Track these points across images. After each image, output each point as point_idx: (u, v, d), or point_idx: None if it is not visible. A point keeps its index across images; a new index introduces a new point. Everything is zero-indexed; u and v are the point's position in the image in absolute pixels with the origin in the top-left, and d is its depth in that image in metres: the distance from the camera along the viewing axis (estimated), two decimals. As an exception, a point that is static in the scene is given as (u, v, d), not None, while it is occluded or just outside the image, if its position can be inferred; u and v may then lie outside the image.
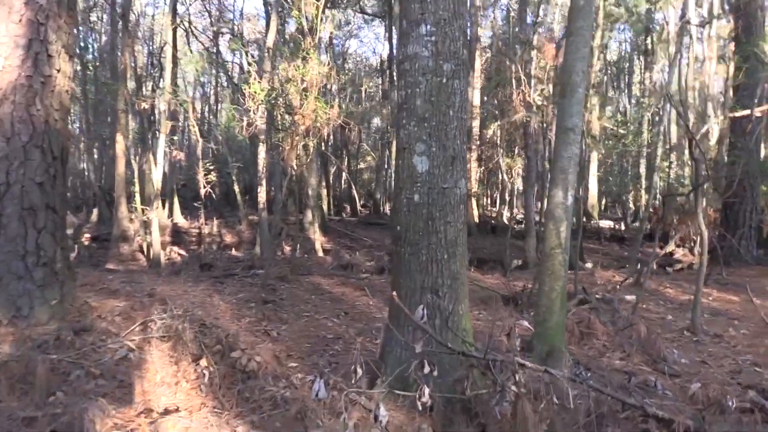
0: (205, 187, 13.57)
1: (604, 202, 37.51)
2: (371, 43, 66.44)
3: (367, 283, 11.05)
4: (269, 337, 6.82)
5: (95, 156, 26.29)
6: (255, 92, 9.87)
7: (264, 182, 14.04)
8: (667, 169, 29.37)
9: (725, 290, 11.69)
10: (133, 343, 5.65)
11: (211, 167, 14.02)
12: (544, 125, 12.56)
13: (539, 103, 12.42)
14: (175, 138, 13.06)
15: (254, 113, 10.34)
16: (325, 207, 30.49)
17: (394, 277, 4.82)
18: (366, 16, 36.41)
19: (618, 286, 10.78)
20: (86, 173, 27.16)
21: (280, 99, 9.89)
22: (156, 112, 25.24)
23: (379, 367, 4.80)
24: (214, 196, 36.01)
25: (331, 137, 38.47)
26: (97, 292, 8.83)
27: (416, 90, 4.60)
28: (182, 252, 18.86)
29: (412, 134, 4.62)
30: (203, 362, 5.02)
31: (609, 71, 35.82)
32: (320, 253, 16.05)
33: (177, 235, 23.90)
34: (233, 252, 19.44)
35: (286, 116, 10.06)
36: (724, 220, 15.72)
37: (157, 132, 13.08)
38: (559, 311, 6.04)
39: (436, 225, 4.58)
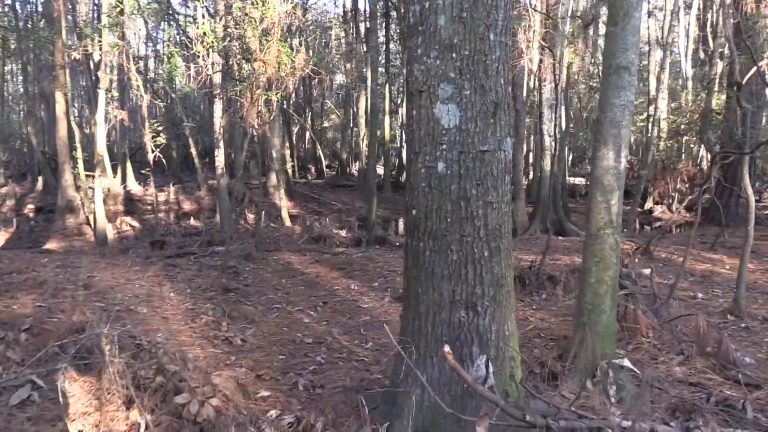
0: (153, 151, 11.74)
1: (571, 157, 36.47)
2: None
3: (345, 259, 9.51)
4: (231, 346, 5.25)
5: (39, 117, 23.89)
6: (204, 34, 8.07)
7: (222, 144, 12.31)
8: (643, 122, 28.24)
9: (736, 256, 10.48)
10: (41, 375, 4.04)
11: (160, 128, 12.13)
12: (556, 68, 11.01)
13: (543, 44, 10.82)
14: (115, 95, 11.10)
15: (204, 60, 8.57)
16: (289, 168, 28.70)
17: (409, 284, 3.28)
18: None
19: (632, 257, 9.44)
20: (29, 137, 24.76)
21: (236, 43, 8.17)
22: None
23: (387, 413, 3.29)
24: (165, 160, 33.84)
25: (293, 94, 36.38)
26: (18, 285, 7.17)
27: (438, 2, 2.99)
28: (135, 223, 17.01)
29: (432, 70, 3.03)
30: (135, 413, 3.43)
31: None
32: (287, 222, 14.43)
33: (130, 204, 21.93)
34: (192, 221, 17.68)
35: (244, 65, 8.35)
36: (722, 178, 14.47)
37: (97, 89, 11.13)
38: (610, 310, 4.59)
39: (471, 207, 3.04)
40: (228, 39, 8.38)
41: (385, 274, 8.35)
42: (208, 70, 8.94)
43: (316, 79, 33.68)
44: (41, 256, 9.95)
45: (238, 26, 8.01)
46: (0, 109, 33.54)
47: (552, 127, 12.44)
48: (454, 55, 2.99)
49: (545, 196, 12.65)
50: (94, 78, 21.01)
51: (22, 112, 34.33)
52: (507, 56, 3.08)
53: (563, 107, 12.58)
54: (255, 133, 17.01)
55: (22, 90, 28.19)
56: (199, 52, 8.35)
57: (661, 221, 21.85)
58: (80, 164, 14.69)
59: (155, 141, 11.81)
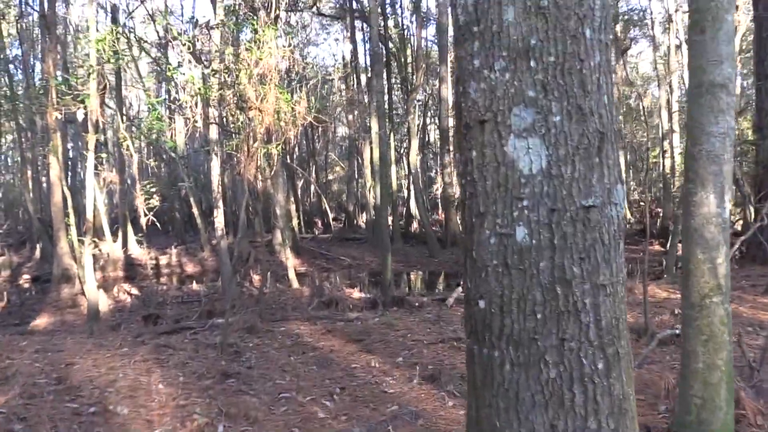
0: (146, 214, 10.76)
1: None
2: (330, 47, 64.20)
3: (361, 327, 8.36)
4: (227, 464, 4.11)
5: (30, 184, 23.15)
6: (191, 81, 7.18)
7: (221, 203, 11.33)
8: (655, 159, 27.28)
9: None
10: None
11: (153, 190, 11.18)
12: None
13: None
14: (103, 155, 10.20)
15: (191, 111, 7.66)
16: (294, 224, 27.73)
17: (479, 414, 2.15)
18: (324, 20, 33.82)
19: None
20: (26, 203, 23.96)
21: (229, 92, 7.27)
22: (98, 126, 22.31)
23: None
24: (168, 221, 32.97)
25: (296, 147, 35.71)
26: (-19, 381, 6.11)
27: (504, -12, 1.98)
28: (134, 291, 15.91)
29: (499, 89, 1.99)
30: None
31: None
32: (295, 283, 13.32)
33: (131, 269, 20.92)
34: (194, 286, 16.57)
35: (239, 115, 7.43)
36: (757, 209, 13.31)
37: (85, 151, 10.24)
38: (727, 405, 3.43)
39: (574, 295, 1.94)
40: (220, 87, 7.48)
41: (409, 345, 7.19)
42: (196, 122, 8.02)
43: (320, 130, 33.08)
44: (21, 339, 8.85)
45: (230, 73, 7.15)
46: (2, 177, 33.00)
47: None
48: (532, 63, 1.95)
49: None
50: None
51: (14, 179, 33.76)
52: (609, 63, 2.03)
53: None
54: (256, 190, 16.10)
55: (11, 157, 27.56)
56: (186, 102, 7.45)
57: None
58: (73, 231, 13.72)
59: (148, 203, 10.82)
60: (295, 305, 11.17)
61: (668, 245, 13.88)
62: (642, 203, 24.99)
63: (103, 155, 10.44)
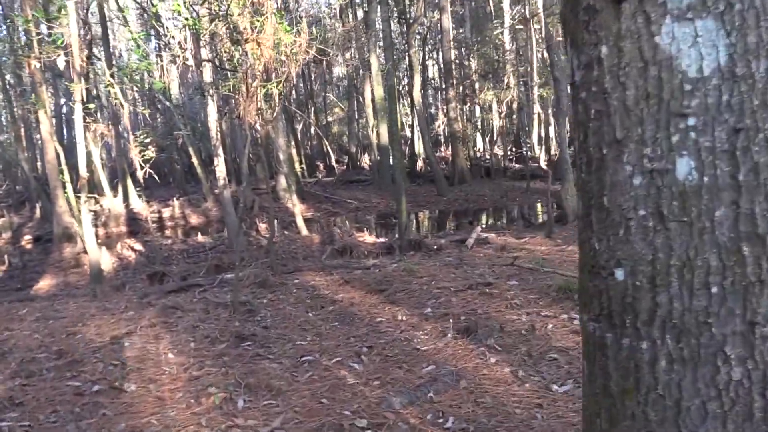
0: (142, 167, 10.06)
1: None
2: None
3: (381, 276, 7.78)
4: (251, 450, 3.56)
5: (24, 142, 22.34)
6: (177, 11, 6.40)
7: (222, 150, 10.63)
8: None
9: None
10: None
11: (148, 140, 10.45)
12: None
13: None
14: (91, 107, 9.40)
15: (181, 48, 6.87)
16: (297, 168, 26.99)
17: (612, 423, 1.51)
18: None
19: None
20: (20, 162, 23.21)
21: (222, 23, 6.46)
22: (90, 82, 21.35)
23: None
24: (169, 172, 32.19)
25: (293, 89, 34.57)
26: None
27: None
28: (138, 246, 15.36)
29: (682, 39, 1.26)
30: None
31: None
32: (304, 231, 12.72)
33: (134, 224, 20.34)
34: (200, 237, 16.03)
35: (235, 50, 6.64)
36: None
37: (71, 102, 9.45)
38: None
39: (769, 257, 1.28)
40: (211, 19, 6.65)
41: (435, 294, 6.61)
42: (186, 59, 7.22)
43: (317, 71, 31.90)
44: (21, 306, 8.32)
45: (221, 2, 6.34)
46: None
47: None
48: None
49: (596, 173, 10.86)
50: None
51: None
52: None
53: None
54: (258, 135, 15.32)
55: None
56: (173, 37, 6.66)
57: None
58: (69, 188, 13.08)
59: (143, 155, 10.10)
60: (307, 254, 10.60)
61: None
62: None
63: (91, 106, 9.63)
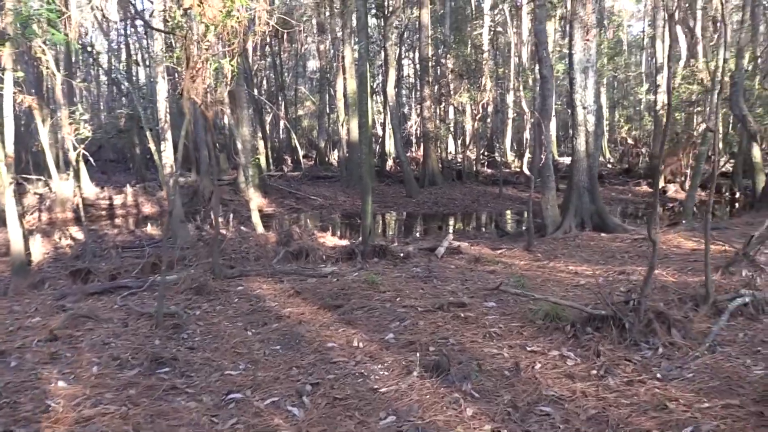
0: (75, 147, 8.78)
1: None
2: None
3: (338, 286, 6.68)
4: None
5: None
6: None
7: (169, 133, 9.44)
8: (642, 94, 25.65)
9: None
10: None
11: (85, 117, 9.16)
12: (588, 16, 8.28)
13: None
14: (19, 75, 8.03)
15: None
16: (263, 161, 25.68)
17: None
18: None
19: (737, 265, 6.69)
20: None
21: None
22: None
23: None
24: (129, 156, 30.50)
25: (264, 81, 33.22)
26: None
27: None
28: (80, 236, 13.96)
29: None
30: None
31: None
32: (260, 228, 11.54)
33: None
34: (149, 229, 14.71)
35: (177, 11, 5.51)
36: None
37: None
38: None
39: None
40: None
41: (399, 314, 5.54)
42: (105, 10, 6.08)
43: (288, 60, 30.60)
44: None
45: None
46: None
47: (586, 96, 9.70)
48: None
49: (580, 182, 9.94)
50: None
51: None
52: None
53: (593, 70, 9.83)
54: (224, 122, 14.09)
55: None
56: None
57: (676, 201, 19.34)
58: (2, 168, 11.68)
59: (77, 133, 8.82)
60: (259, 254, 9.44)
61: (687, 187, 12.33)
62: (630, 141, 23.49)
63: (19, 74, 8.32)
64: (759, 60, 13.72)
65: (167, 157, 9.67)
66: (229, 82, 6.62)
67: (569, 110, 10.17)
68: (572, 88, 9.81)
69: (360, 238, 9.44)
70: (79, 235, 14.41)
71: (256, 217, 11.56)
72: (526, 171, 9.53)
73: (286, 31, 8.58)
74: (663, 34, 20.50)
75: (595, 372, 4.13)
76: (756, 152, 14.25)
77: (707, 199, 19.18)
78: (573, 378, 4.06)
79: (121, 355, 4.66)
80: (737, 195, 18.34)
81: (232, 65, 6.58)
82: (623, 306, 4.84)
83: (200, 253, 8.91)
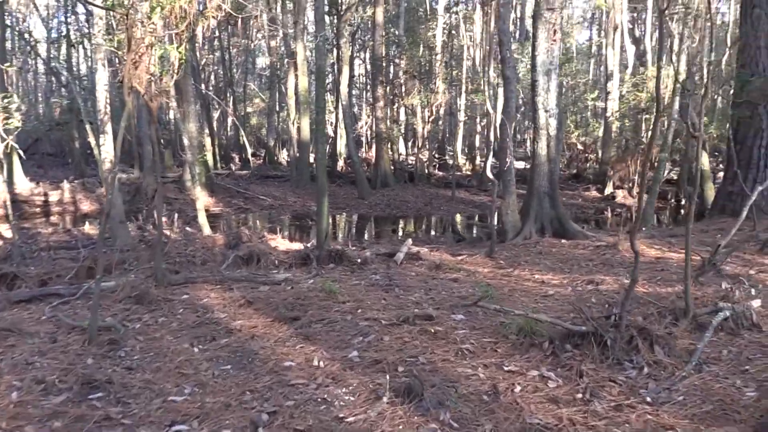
0: (3, 138, 7.98)
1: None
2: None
3: (293, 295, 6.17)
4: None
5: None
6: None
7: (109, 126, 8.75)
8: (594, 100, 25.92)
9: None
10: None
11: (13, 105, 8.34)
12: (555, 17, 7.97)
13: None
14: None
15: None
16: (210, 159, 24.77)
17: None
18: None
19: (704, 271, 6.49)
20: None
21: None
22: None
23: None
24: (67, 150, 29.03)
25: (212, 76, 32.19)
26: None
27: None
28: (9, 235, 12.95)
29: None
30: None
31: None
32: (206, 229, 10.88)
33: (13, 207, 17.58)
34: (87, 228, 13.78)
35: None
36: (730, 158, 11.83)
37: None
38: None
39: None
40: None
41: (362, 328, 5.08)
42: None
43: (237, 55, 29.64)
44: None
45: None
46: None
47: (549, 99, 9.45)
48: None
49: (540, 187, 9.69)
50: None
51: None
52: None
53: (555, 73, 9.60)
54: (169, 117, 13.31)
55: None
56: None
57: (625, 207, 19.52)
58: None
59: (6, 124, 8.01)
60: (206, 258, 8.81)
61: (637, 193, 12.25)
62: (579, 147, 23.66)
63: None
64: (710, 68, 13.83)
65: (106, 151, 8.94)
66: (175, 72, 6.02)
67: (531, 113, 9.91)
68: (534, 91, 9.56)
69: (314, 242, 8.94)
70: (8, 234, 13.39)
71: (202, 218, 10.90)
72: (489, 175, 9.21)
73: (239, 16, 7.98)
74: (613, 42, 20.65)
75: (580, 396, 3.77)
76: (705, 160, 14.38)
77: (658, 207, 19.30)
78: (557, 402, 3.69)
79: (47, 378, 4.04)
80: (682, 202, 18.59)
81: (180, 52, 5.99)
82: (603, 321, 4.50)
83: (142, 256, 8.22)
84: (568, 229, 9.60)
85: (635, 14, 25.13)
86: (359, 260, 7.92)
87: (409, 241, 8.50)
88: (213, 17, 5.76)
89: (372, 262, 8.03)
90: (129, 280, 6.60)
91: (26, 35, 24.97)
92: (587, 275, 6.97)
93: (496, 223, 9.14)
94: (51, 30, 30.06)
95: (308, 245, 8.55)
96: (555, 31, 8.93)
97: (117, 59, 5.85)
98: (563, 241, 9.26)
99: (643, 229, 10.04)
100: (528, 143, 24.02)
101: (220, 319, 5.50)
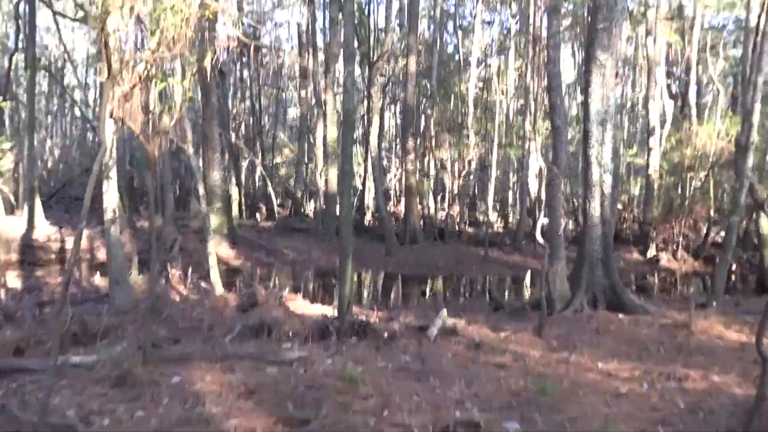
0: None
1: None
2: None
3: (305, 381, 4.99)
4: None
5: None
6: None
7: (114, 171, 7.86)
8: (633, 156, 24.74)
9: None
10: None
11: (8, 146, 7.47)
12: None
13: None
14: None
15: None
16: (235, 209, 23.96)
17: None
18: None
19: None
20: None
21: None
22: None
23: None
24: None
25: (242, 125, 31.86)
26: None
27: None
28: (14, 283, 12.08)
29: None
30: None
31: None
32: (219, 287, 9.84)
33: (28, 252, 16.87)
34: (98, 279, 12.83)
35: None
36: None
37: None
38: None
39: None
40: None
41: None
42: None
43: (267, 99, 29.12)
44: None
45: None
46: None
47: (603, 152, 8.32)
48: None
49: (593, 252, 8.47)
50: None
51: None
52: None
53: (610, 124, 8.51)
54: (194, 164, 12.51)
55: None
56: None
57: (671, 272, 18.03)
58: None
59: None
60: (213, 322, 7.73)
61: (716, 262, 10.87)
62: (618, 206, 22.29)
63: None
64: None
65: (109, 198, 8.01)
66: (178, 110, 5.05)
67: (583, 168, 8.76)
68: (587, 143, 8.44)
69: (335, 309, 7.78)
70: (15, 282, 12.51)
71: (215, 275, 9.86)
72: (539, 239, 8.04)
73: (251, 43, 7.07)
74: (654, 96, 19.56)
75: None
76: (764, 223, 13.01)
77: (700, 270, 17.77)
78: None
79: None
80: (733, 267, 17.05)
81: (183, 86, 5.05)
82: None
83: (139, 320, 7.15)
84: (625, 302, 8.30)
85: (673, 68, 24.04)
86: (386, 334, 6.74)
87: (444, 312, 7.30)
88: (224, 46, 4.80)
89: (401, 336, 6.83)
90: (113, 354, 5.50)
91: (58, 78, 24.87)
92: (663, 365, 5.68)
93: (534, 286, 7.93)
94: (86, 74, 30.17)
95: (328, 316, 7.39)
96: (617, 73, 7.91)
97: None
98: (620, 316, 7.96)
99: (714, 304, 8.69)
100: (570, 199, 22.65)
101: (211, 415, 4.34)
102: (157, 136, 5.08)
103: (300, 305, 9.34)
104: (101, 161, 4.31)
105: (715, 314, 7.89)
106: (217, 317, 8.09)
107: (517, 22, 24.11)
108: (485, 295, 12.75)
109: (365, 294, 13.75)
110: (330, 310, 8.71)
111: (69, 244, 17.99)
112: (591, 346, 6.53)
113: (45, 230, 19.26)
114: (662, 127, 20.09)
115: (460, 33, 27.26)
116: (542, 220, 9.12)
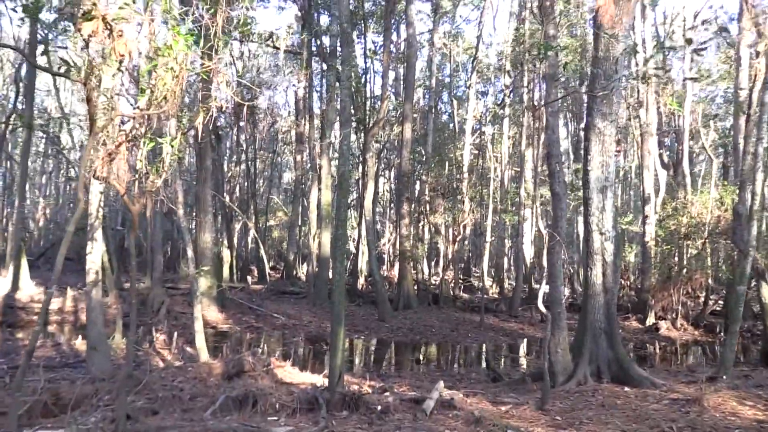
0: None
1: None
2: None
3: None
4: None
5: None
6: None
7: (99, 232, 7.55)
8: (628, 224, 24.62)
9: None
10: None
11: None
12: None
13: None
14: None
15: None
16: (226, 271, 23.51)
17: None
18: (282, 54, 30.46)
19: None
20: None
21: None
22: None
23: None
24: (78, 255, 28.12)
25: (236, 188, 31.78)
26: None
27: None
28: (-8, 345, 11.56)
29: None
30: None
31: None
32: (204, 354, 9.38)
33: (11, 313, 16.31)
34: (79, 342, 12.32)
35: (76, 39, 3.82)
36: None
37: None
38: None
39: None
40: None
41: None
42: None
43: (262, 163, 29.11)
44: None
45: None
46: None
47: (604, 220, 8.12)
48: None
49: (595, 322, 8.13)
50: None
51: None
52: None
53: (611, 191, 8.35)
54: (184, 225, 12.23)
55: None
56: None
57: (670, 340, 17.59)
58: None
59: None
60: (196, 392, 7.25)
61: (724, 332, 10.52)
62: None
63: None
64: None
65: (92, 261, 7.67)
66: (165, 170, 4.81)
67: (584, 235, 8.53)
68: (587, 210, 8.24)
69: (326, 378, 7.35)
70: (-8, 346, 11.98)
71: (200, 341, 9.41)
72: (541, 307, 7.71)
73: (244, 103, 6.88)
74: (648, 166, 19.60)
75: None
76: (765, 292, 12.72)
77: (700, 339, 17.31)
78: None
79: None
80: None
81: (173, 145, 4.82)
82: None
83: (115, 389, 6.69)
84: (631, 375, 7.89)
85: (665, 139, 24.28)
86: (379, 408, 6.30)
87: (441, 384, 6.89)
88: (218, 107, 4.60)
89: (395, 410, 6.39)
90: (85, 427, 5.06)
91: (53, 139, 24.86)
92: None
93: (530, 355, 7.53)
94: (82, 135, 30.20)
95: (318, 385, 6.97)
96: (618, 141, 7.79)
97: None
98: (626, 389, 7.54)
99: (724, 377, 8.29)
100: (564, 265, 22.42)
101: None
102: (143, 196, 4.83)
103: (289, 373, 8.89)
104: (76, 221, 4.04)
105: (726, 388, 7.49)
106: (200, 386, 7.62)
107: (511, 92, 24.46)
108: (481, 363, 12.24)
109: (357, 361, 13.21)
110: (320, 379, 8.28)
111: (53, 305, 17.46)
112: (599, 423, 6.10)
113: (30, 290, 18.75)
114: (657, 195, 20.10)
115: (455, 102, 27.65)
116: (543, 288, 8.79)
